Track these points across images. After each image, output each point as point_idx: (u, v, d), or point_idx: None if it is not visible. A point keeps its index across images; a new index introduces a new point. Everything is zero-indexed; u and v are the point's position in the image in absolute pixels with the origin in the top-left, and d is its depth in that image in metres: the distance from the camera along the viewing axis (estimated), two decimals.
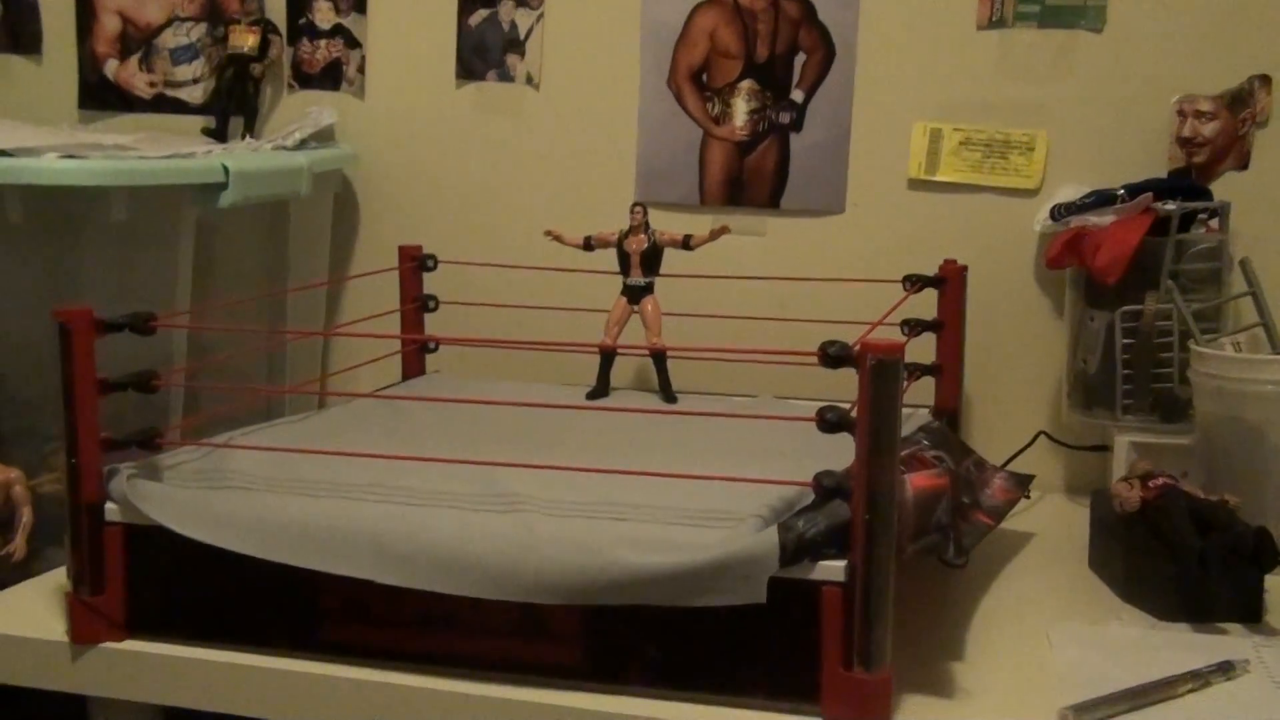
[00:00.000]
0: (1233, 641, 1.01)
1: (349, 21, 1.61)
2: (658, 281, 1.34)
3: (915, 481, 0.94)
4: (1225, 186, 1.38)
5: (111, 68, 1.69)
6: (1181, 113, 1.40)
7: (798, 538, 0.87)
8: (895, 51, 1.46)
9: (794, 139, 1.50)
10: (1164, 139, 1.41)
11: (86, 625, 1.00)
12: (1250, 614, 1.05)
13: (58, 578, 1.07)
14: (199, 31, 1.66)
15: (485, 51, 1.58)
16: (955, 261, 1.35)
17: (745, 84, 1.51)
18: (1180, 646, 0.99)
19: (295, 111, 1.62)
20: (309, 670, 0.96)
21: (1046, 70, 1.43)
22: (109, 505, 1.00)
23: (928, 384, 1.35)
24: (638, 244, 1.33)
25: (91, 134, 1.48)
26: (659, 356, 1.33)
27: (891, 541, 0.86)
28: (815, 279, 1.43)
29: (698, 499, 0.93)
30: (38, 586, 1.11)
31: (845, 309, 1.26)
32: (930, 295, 1.33)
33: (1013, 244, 1.45)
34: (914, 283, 1.31)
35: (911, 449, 1.07)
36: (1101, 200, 1.34)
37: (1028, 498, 1.26)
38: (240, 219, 1.46)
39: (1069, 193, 1.40)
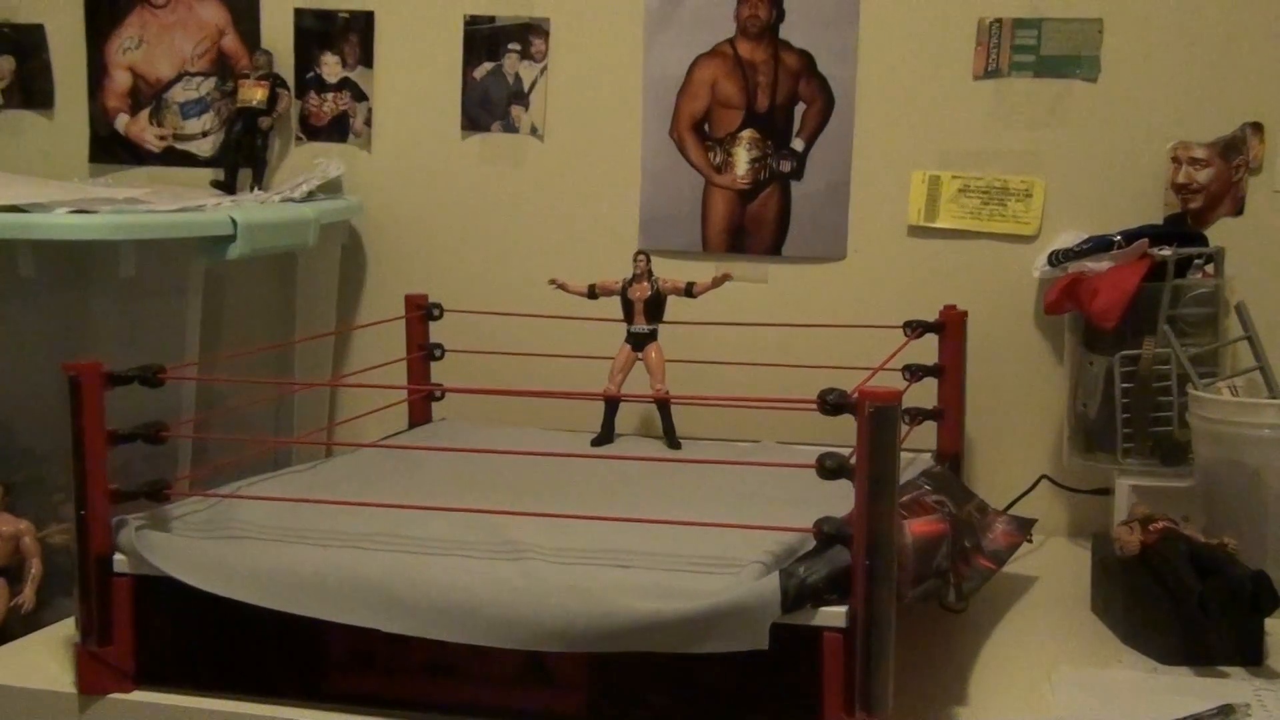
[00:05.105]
0: (1234, 685, 1.01)
1: (356, 75, 1.64)
2: (661, 328, 1.36)
3: (914, 527, 0.95)
4: (1220, 232, 1.40)
5: (122, 122, 1.71)
6: (1176, 160, 1.41)
7: (799, 584, 0.88)
8: (893, 101, 1.48)
9: (795, 187, 1.52)
10: (1159, 185, 1.42)
11: (95, 676, 1.01)
12: (1251, 657, 1.05)
13: (66, 629, 1.08)
14: (208, 86, 1.68)
15: (490, 103, 1.60)
16: (955, 307, 1.36)
17: (746, 133, 1.53)
18: (1181, 690, 0.99)
19: (303, 163, 1.64)
20: None
21: (1042, 119, 1.44)
22: (117, 556, 1.01)
23: (930, 428, 1.36)
24: (641, 292, 1.35)
25: (102, 187, 1.50)
26: (663, 403, 1.34)
27: (892, 587, 0.87)
28: (817, 325, 1.44)
29: (700, 545, 0.94)
30: (46, 638, 1.11)
31: (847, 355, 1.27)
32: (931, 340, 1.35)
33: (1012, 290, 1.46)
34: (914, 328, 1.32)
35: (913, 494, 1.08)
36: (1098, 246, 1.36)
37: (1030, 541, 1.27)
38: (248, 270, 1.48)
39: (1067, 239, 1.41)
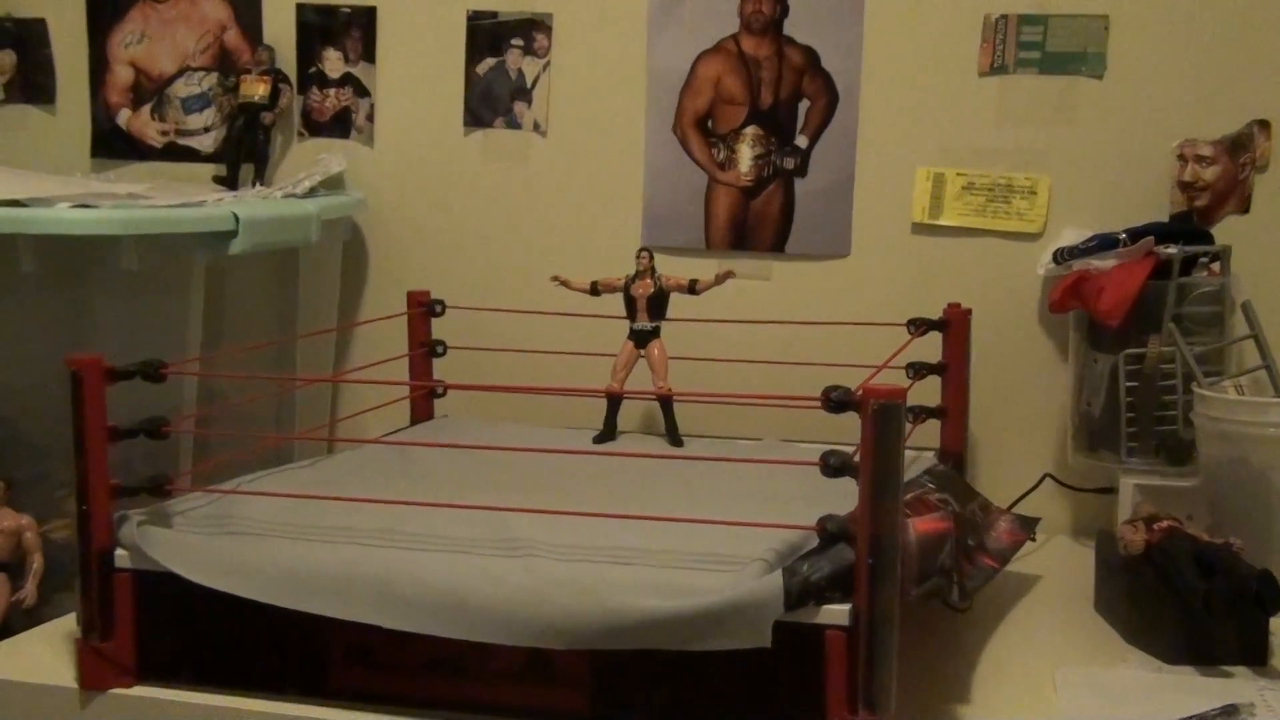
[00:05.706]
0: (1238, 684, 1.01)
1: (358, 71, 1.63)
2: (664, 326, 1.35)
3: (918, 525, 0.95)
4: (1226, 230, 1.39)
5: (124, 117, 1.71)
6: (1182, 157, 1.41)
7: (802, 582, 0.87)
8: (898, 97, 1.48)
9: (798, 184, 1.52)
10: (1165, 183, 1.42)
11: (96, 671, 1.00)
12: (1255, 657, 1.05)
13: (68, 624, 1.08)
14: (210, 81, 1.68)
15: (493, 99, 1.60)
16: (959, 305, 1.36)
17: (750, 130, 1.53)
18: (1185, 690, 0.99)
19: (305, 159, 1.64)
20: (317, 716, 0.96)
21: (1048, 116, 1.44)
22: (119, 551, 1.01)
23: (933, 427, 1.35)
24: (644, 288, 1.34)
25: (103, 183, 1.50)
26: (665, 401, 1.34)
27: (895, 585, 0.86)
28: (820, 323, 1.44)
29: (703, 543, 0.93)
30: (48, 633, 1.11)
31: (850, 352, 1.27)
32: (935, 339, 1.34)
33: (1016, 288, 1.46)
34: (918, 326, 1.32)
35: (916, 492, 1.08)
36: (1104, 244, 1.35)
37: (1033, 540, 1.27)
38: (250, 266, 1.48)
39: (1071, 237, 1.41)
